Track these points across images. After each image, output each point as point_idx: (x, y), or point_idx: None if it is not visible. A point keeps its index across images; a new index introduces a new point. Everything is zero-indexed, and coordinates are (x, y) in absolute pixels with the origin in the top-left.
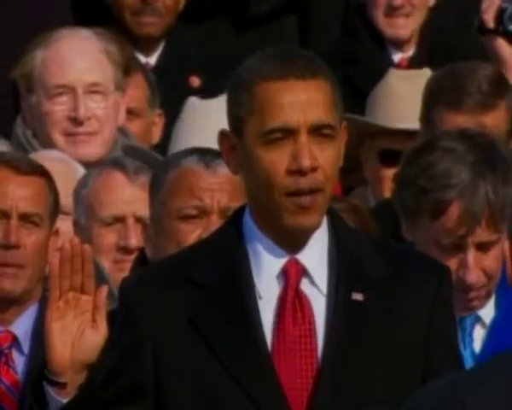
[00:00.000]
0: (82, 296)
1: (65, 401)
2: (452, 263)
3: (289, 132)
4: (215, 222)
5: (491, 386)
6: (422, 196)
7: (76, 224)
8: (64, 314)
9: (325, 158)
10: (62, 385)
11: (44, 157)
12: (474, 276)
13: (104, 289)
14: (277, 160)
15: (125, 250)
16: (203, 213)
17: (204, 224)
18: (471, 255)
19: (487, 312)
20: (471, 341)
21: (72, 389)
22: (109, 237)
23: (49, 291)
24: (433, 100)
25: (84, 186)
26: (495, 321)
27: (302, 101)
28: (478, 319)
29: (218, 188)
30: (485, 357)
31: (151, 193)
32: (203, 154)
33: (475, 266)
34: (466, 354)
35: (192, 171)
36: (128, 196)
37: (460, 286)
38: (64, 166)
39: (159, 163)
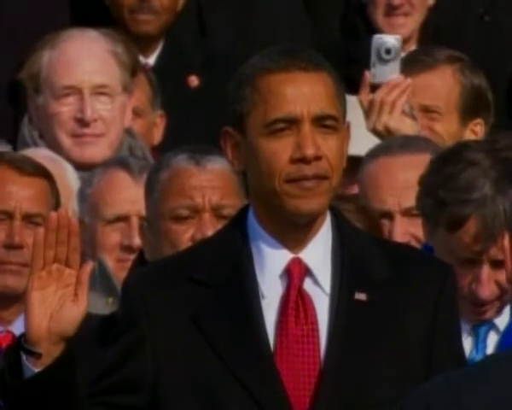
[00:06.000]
0: (66, 269)
1: (38, 371)
2: (466, 276)
3: (293, 122)
4: (208, 221)
5: (487, 384)
6: (441, 208)
7: (80, 223)
8: (46, 285)
9: (329, 148)
10: (38, 355)
11: (34, 155)
12: (487, 292)
13: (89, 265)
14: (281, 149)
15: (129, 249)
16: (195, 212)
17: (196, 223)
18: (485, 271)
19: (503, 318)
20: (484, 346)
21: (47, 359)
22: (113, 236)
23: (32, 260)
24: None
25: (88, 185)
26: (508, 327)
27: (305, 92)
28: (492, 326)
29: (208, 185)
30: None
31: (146, 195)
32: (193, 151)
33: (489, 282)
34: (478, 359)
35: (182, 169)
36: (132, 195)
37: (472, 299)
38: (54, 165)
39: (152, 165)
